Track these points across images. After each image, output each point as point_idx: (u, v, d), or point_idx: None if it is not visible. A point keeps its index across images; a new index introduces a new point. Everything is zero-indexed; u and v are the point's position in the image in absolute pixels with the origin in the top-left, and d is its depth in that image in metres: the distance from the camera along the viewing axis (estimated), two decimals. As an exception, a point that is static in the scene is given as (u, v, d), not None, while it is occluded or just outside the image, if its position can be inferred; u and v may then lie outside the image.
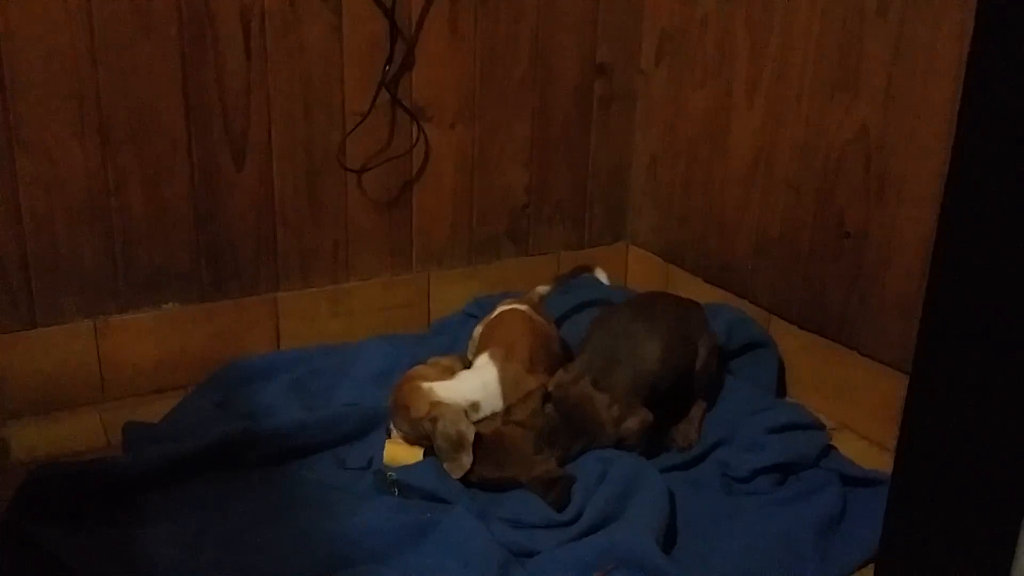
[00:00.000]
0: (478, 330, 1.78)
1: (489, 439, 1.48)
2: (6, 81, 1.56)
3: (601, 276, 1.97)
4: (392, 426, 1.56)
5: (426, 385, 1.53)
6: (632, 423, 1.49)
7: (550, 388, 1.51)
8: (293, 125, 1.81)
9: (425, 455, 1.52)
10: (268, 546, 1.33)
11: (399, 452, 1.54)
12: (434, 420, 1.47)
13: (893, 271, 1.64)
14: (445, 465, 1.46)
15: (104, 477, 1.43)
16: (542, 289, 1.89)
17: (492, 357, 1.61)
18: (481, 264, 2.10)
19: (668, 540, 1.39)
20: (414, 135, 1.93)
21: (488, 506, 1.45)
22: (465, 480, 1.47)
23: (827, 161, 1.72)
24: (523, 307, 1.76)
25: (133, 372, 1.78)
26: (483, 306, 1.94)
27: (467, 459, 1.45)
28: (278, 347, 1.91)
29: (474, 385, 1.57)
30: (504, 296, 1.88)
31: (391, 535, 1.35)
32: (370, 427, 1.63)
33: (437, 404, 1.49)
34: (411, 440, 1.53)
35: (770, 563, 1.35)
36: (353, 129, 1.86)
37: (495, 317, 1.75)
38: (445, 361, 1.63)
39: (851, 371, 1.74)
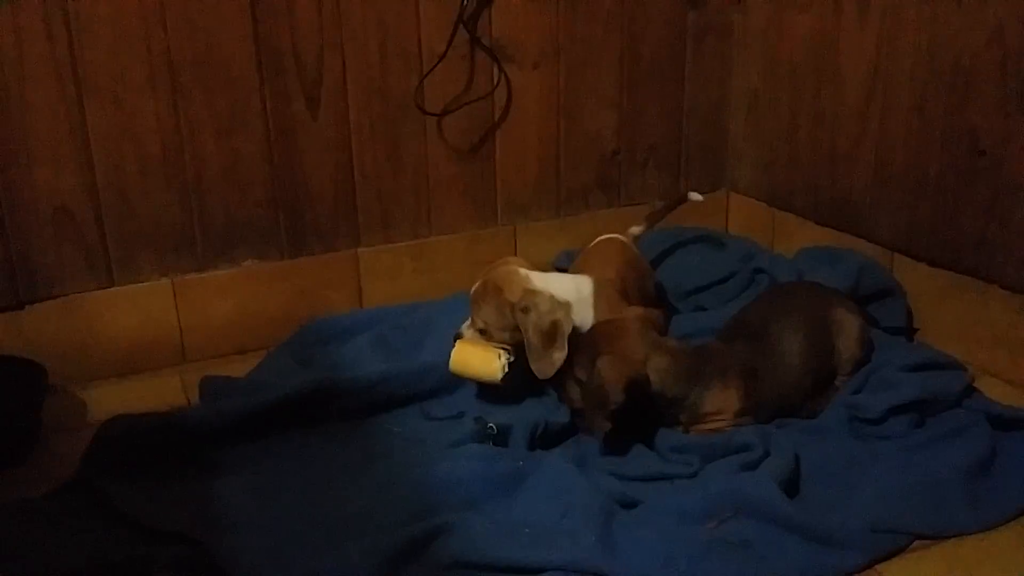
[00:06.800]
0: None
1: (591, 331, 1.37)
2: (73, 28, 1.51)
3: (695, 197, 1.82)
4: (467, 323, 1.44)
5: (524, 271, 1.42)
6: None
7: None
8: (368, 68, 1.71)
9: (504, 370, 1.38)
10: (351, 496, 1.23)
11: (470, 355, 1.41)
12: (526, 309, 1.36)
13: (1038, 190, 1.45)
14: (534, 366, 1.33)
15: (177, 430, 1.36)
16: (635, 230, 1.77)
17: (587, 273, 1.53)
18: (570, 216, 1.97)
19: (791, 489, 1.23)
20: (495, 77, 1.81)
21: (587, 456, 1.33)
22: (558, 383, 1.35)
23: (956, 72, 1.54)
24: (621, 237, 1.68)
25: (213, 332, 1.72)
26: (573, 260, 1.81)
27: (560, 355, 1.33)
28: (360, 305, 1.82)
29: (568, 287, 1.45)
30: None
31: (484, 483, 1.24)
32: (458, 380, 1.52)
33: (532, 292, 1.38)
34: (492, 333, 1.41)
35: (912, 511, 1.18)
36: (430, 71, 1.75)
37: (592, 246, 1.68)
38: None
39: (989, 308, 1.54)
